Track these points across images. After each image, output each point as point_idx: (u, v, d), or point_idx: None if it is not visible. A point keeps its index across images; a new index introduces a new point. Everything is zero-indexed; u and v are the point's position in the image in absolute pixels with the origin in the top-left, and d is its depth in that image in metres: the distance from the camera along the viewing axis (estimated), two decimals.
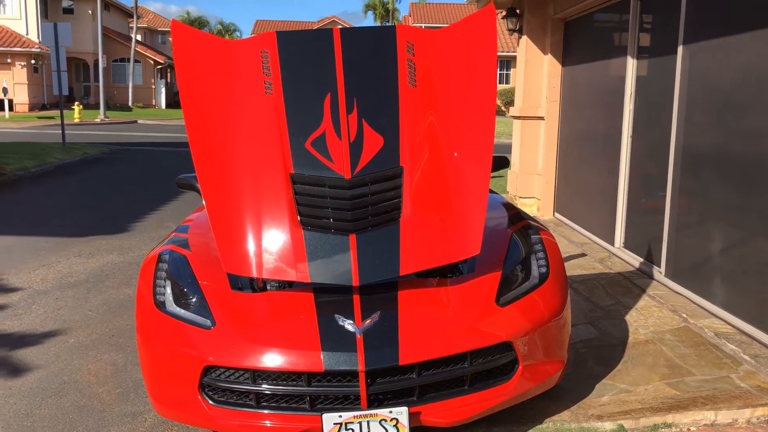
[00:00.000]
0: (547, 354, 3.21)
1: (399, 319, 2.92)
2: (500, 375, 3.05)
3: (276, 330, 2.93)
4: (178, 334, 3.04)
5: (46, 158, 14.94)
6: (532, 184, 9.03)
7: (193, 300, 3.15)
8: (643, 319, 4.61)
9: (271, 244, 3.07)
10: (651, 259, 5.78)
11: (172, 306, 3.15)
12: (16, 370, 4.20)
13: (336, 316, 2.93)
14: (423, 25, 45.71)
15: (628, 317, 4.66)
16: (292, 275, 3.01)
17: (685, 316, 4.61)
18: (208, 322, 3.01)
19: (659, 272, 5.53)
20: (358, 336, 2.84)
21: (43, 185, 12.31)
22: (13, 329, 4.90)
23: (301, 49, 3.45)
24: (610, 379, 3.73)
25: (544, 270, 3.34)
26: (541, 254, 3.42)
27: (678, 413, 3.31)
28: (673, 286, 5.26)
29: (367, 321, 2.90)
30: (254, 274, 3.04)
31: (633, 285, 5.43)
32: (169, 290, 3.21)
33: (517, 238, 3.50)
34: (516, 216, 3.80)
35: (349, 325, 2.89)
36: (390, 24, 50.64)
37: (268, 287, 3.31)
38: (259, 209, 3.14)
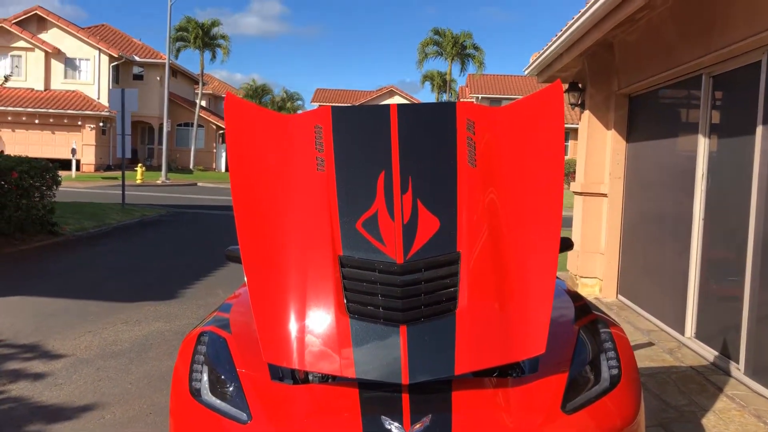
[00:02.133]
0: None
1: (453, 425, 2.62)
2: None
3: (316, 429, 2.67)
4: (211, 427, 2.80)
5: (105, 219, 15.24)
6: (593, 264, 8.63)
7: (230, 389, 2.91)
8: (723, 424, 4.15)
9: (315, 332, 2.83)
10: (727, 353, 5.31)
11: (207, 395, 2.92)
12: None
13: (382, 417, 2.65)
14: (480, 96, 46.08)
15: (704, 421, 4.21)
16: (336, 369, 2.76)
17: None
18: (244, 416, 2.77)
19: (737, 369, 5.05)
20: None
21: (99, 246, 12.47)
22: (51, 401, 4.75)
23: (356, 125, 3.29)
24: None
25: (615, 372, 3.00)
26: (611, 353, 3.08)
27: None
28: (754, 386, 4.78)
29: (417, 426, 2.61)
30: (295, 366, 2.80)
31: (708, 382, 4.96)
32: (206, 377, 2.99)
33: (585, 335, 3.17)
34: (583, 308, 3.48)
35: (396, 429, 2.60)
36: (448, 95, 51.27)
37: (310, 378, 3.06)
38: (304, 293, 2.91)
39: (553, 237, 3.00)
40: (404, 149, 3.12)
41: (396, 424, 2.61)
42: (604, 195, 8.50)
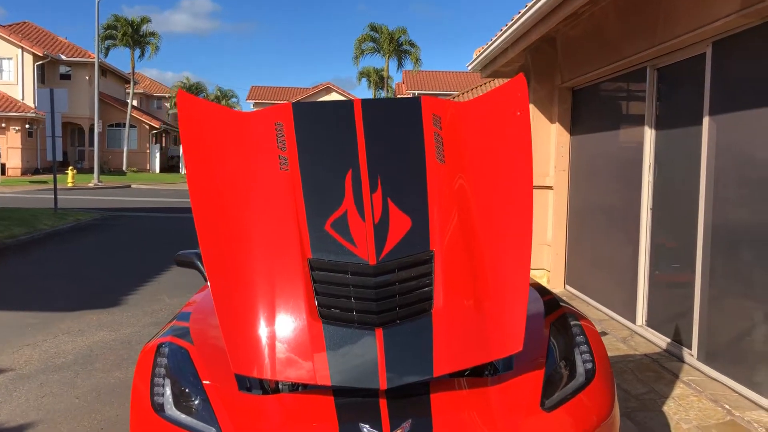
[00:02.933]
0: None
1: (434, 428, 2.54)
2: None
3: None
4: None
5: (37, 225, 14.56)
6: (541, 255, 8.73)
7: (196, 403, 2.76)
8: (683, 411, 4.22)
9: (285, 339, 2.70)
10: (680, 339, 5.42)
11: (171, 409, 2.76)
12: None
13: (360, 424, 2.55)
14: (416, 92, 46.26)
15: (665, 408, 4.28)
16: (310, 377, 2.64)
17: (728, 407, 4.23)
18: (212, 431, 2.62)
19: (690, 355, 5.16)
20: None
21: (31, 254, 11.91)
22: None
23: (319, 122, 3.17)
24: None
25: (590, 366, 2.98)
26: (584, 347, 3.06)
27: None
28: (708, 371, 4.89)
29: (398, 431, 2.52)
30: (267, 375, 2.67)
31: (664, 369, 5.05)
32: (168, 391, 2.83)
33: (556, 329, 3.15)
34: (552, 302, 3.46)
35: None
36: (385, 92, 51.36)
37: (281, 387, 2.93)
38: (273, 299, 2.78)
39: (526, 231, 2.95)
40: (371, 146, 3.03)
41: (375, 431, 2.52)
42: (550, 187, 8.60)
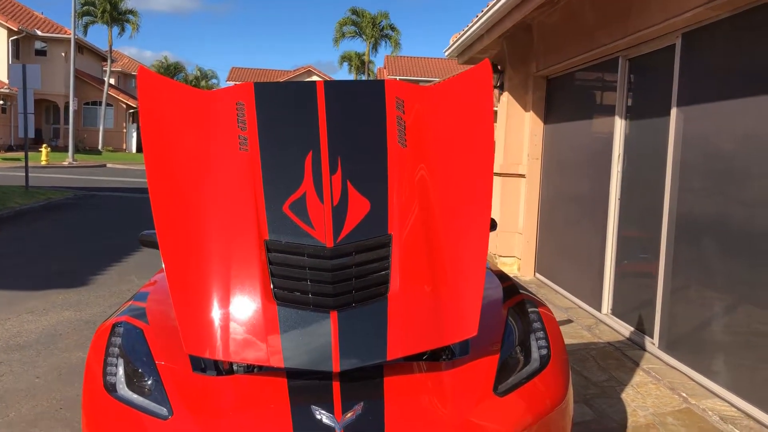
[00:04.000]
0: None
1: (385, 412, 2.54)
2: None
3: (242, 422, 2.53)
4: (129, 424, 2.63)
5: (7, 203, 14.34)
6: (512, 243, 8.78)
7: (149, 383, 2.74)
8: (641, 398, 4.28)
9: (239, 321, 2.69)
10: (642, 328, 5.49)
11: (124, 389, 2.74)
12: None
13: (312, 407, 2.55)
14: (398, 77, 46.15)
15: (624, 395, 4.33)
16: (263, 359, 2.63)
17: (685, 395, 4.29)
18: (164, 411, 2.60)
19: (652, 343, 5.23)
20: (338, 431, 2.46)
21: (0, 232, 11.72)
22: None
23: (281, 103, 3.13)
24: None
25: (545, 352, 3.01)
26: (540, 333, 3.09)
27: None
28: (668, 359, 4.96)
29: (349, 414, 2.52)
30: (219, 356, 2.65)
31: (625, 357, 5.11)
32: (121, 370, 2.80)
33: (513, 316, 3.17)
34: (511, 288, 3.48)
35: (327, 418, 2.50)
36: (366, 76, 51.13)
37: (235, 369, 2.92)
38: (228, 280, 2.76)
39: (484, 217, 2.96)
40: (332, 128, 3.00)
41: (327, 413, 2.52)
42: (523, 176, 8.64)
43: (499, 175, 8.84)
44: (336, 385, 2.63)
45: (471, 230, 2.95)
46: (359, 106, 3.14)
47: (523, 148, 8.64)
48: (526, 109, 8.58)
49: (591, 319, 6.25)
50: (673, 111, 5.05)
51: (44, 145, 30.73)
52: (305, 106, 3.06)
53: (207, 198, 2.94)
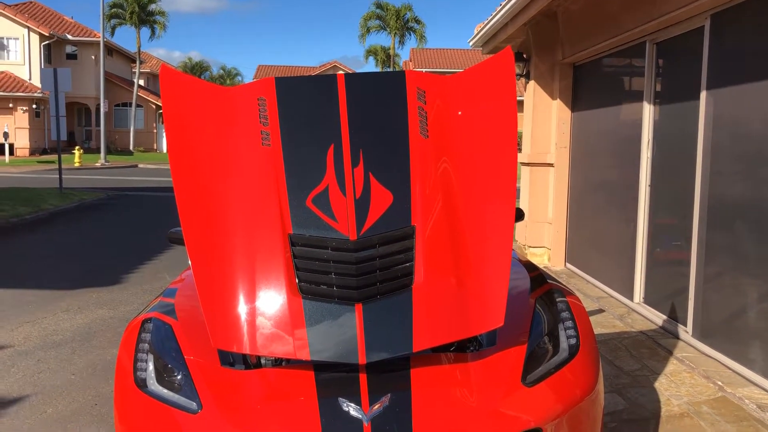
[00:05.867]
0: None
1: (413, 403, 2.54)
2: None
3: (270, 415, 2.55)
4: (159, 419, 2.66)
5: (42, 204, 14.63)
6: (541, 233, 8.69)
7: (178, 378, 2.77)
8: (675, 387, 4.21)
9: (266, 315, 2.70)
10: (675, 316, 5.40)
11: (154, 384, 2.77)
12: None
13: (339, 399, 2.55)
14: (424, 70, 45.98)
15: (657, 385, 4.26)
16: (289, 352, 2.64)
17: (720, 384, 4.21)
18: (193, 405, 2.63)
19: (685, 332, 5.14)
20: (366, 424, 2.46)
21: (35, 233, 11.97)
22: None
23: (302, 97, 3.14)
24: None
25: (573, 341, 2.97)
26: (569, 323, 3.05)
27: None
28: (702, 348, 4.87)
29: (376, 406, 2.52)
30: (246, 350, 2.67)
31: (658, 346, 5.03)
32: (151, 366, 2.84)
33: (541, 305, 3.13)
34: (539, 278, 3.44)
35: (354, 410, 2.51)
36: (393, 69, 51.04)
37: (263, 362, 2.94)
38: (253, 275, 2.78)
39: (508, 207, 2.93)
40: (354, 121, 3.00)
41: (354, 405, 2.52)
42: (551, 165, 8.55)
43: (527, 164, 8.76)
44: (363, 378, 2.63)
45: (496, 220, 2.93)
46: (380, 97, 3.13)
47: (550, 137, 8.55)
48: (552, 98, 8.48)
49: (623, 308, 6.16)
50: (703, 94, 4.94)
51: (77, 147, 31.29)
52: (326, 99, 3.06)
53: (231, 194, 2.96)
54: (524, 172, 8.92)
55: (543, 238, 8.73)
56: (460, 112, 3.14)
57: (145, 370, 2.83)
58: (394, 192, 2.90)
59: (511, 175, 2.98)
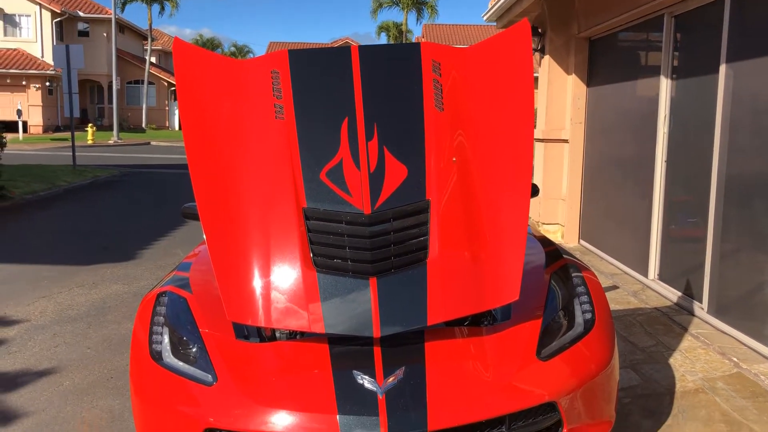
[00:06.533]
0: (595, 413, 2.81)
1: (427, 376, 2.54)
2: None
3: (285, 388, 2.56)
4: (175, 390, 2.68)
5: (56, 181, 14.72)
6: (555, 210, 8.64)
7: (193, 350, 2.79)
8: (690, 363, 4.19)
9: (280, 288, 2.71)
10: (690, 293, 5.36)
11: (169, 357, 2.79)
12: (3, 418, 3.84)
13: (354, 372, 2.56)
14: None
15: (672, 361, 4.25)
16: (304, 325, 2.65)
17: (736, 360, 4.19)
18: (209, 378, 2.65)
19: (701, 308, 5.11)
20: (380, 396, 2.47)
21: (50, 210, 12.05)
22: (5, 368, 4.56)
23: (316, 69, 3.11)
24: None
25: (589, 316, 2.96)
26: (584, 298, 3.04)
27: None
28: (717, 324, 4.84)
29: (390, 378, 2.52)
30: (261, 323, 2.68)
31: (673, 322, 5.01)
32: (166, 339, 2.86)
33: (557, 280, 3.12)
34: (554, 253, 3.42)
35: (369, 383, 2.51)
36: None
37: (278, 335, 2.95)
38: (268, 249, 2.78)
39: (524, 181, 2.91)
40: (368, 94, 2.97)
41: (368, 378, 2.53)
42: (565, 141, 8.46)
43: (542, 140, 8.68)
44: (377, 351, 2.64)
45: (511, 195, 2.91)
46: (395, 70, 3.10)
47: (565, 113, 8.46)
48: (568, 72, 8.37)
49: (637, 285, 6.13)
50: (722, 68, 4.86)
51: (90, 125, 31.36)
52: (340, 71, 3.03)
53: (245, 167, 2.95)
54: (538, 149, 8.85)
55: (557, 215, 8.68)
56: (476, 85, 3.10)
57: (161, 342, 2.85)
58: (408, 166, 2.88)
59: (527, 148, 2.95)
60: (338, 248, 2.76)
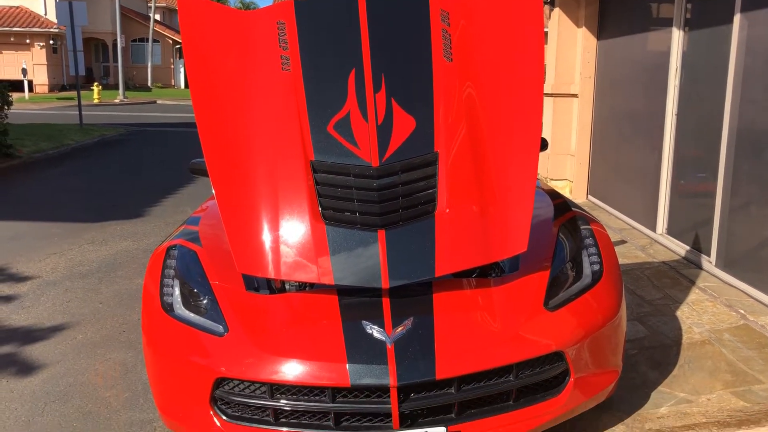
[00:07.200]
0: (601, 363, 2.84)
1: (435, 326, 2.57)
2: (549, 388, 2.69)
3: (296, 338, 2.60)
4: (186, 342, 2.72)
5: (63, 140, 14.72)
6: (564, 166, 8.59)
7: (204, 302, 2.82)
8: (696, 315, 4.21)
9: (289, 240, 2.72)
10: (699, 247, 5.36)
11: (180, 309, 2.83)
12: (19, 370, 3.92)
13: (363, 322, 2.59)
14: None
15: (679, 313, 4.27)
16: (313, 276, 2.67)
17: (743, 312, 4.20)
18: (220, 328, 2.68)
19: (709, 262, 5.11)
20: (389, 346, 2.50)
21: (58, 168, 12.08)
22: (19, 323, 4.63)
23: (322, 20, 3.07)
24: (667, 386, 3.35)
25: (597, 267, 2.97)
26: (593, 249, 3.04)
27: (749, 429, 2.93)
28: (725, 277, 4.84)
29: (399, 328, 2.55)
30: (271, 275, 2.70)
31: (680, 276, 5.02)
32: (177, 291, 2.89)
33: (565, 232, 3.12)
34: (562, 205, 3.42)
35: (378, 332, 2.54)
36: None
37: (287, 287, 2.98)
38: (276, 201, 2.78)
39: (534, 134, 2.89)
40: (375, 44, 2.94)
41: (377, 328, 2.55)
42: (575, 96, 8.37)
43: (551, 95, 8.58)
44: (386, 302, 2.66)
45: (520, 148, 2.89)
46: (402, 19, 3.06)
47: (575, 67, 8.34)
48: (578, 25, 8.23)
49: (645, 239, 6.13)
50: (737, 17, 4.76)
51: (95, 84, 31.19)
52: (347, 21, 2.99)
53: (252, 120, 2.94)
54: (547, 104, 8.75)
55: (565, 171, 8.63)
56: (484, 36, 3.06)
57: (172, 295, 2.88)
58: (416, 117, 2.86)
59: (536, 100, 2.92)
60: (347, 201, 2.77)
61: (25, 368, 3.94)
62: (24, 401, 3.56)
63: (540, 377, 2.63)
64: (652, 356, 3.68)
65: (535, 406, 2.63)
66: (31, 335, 4.42)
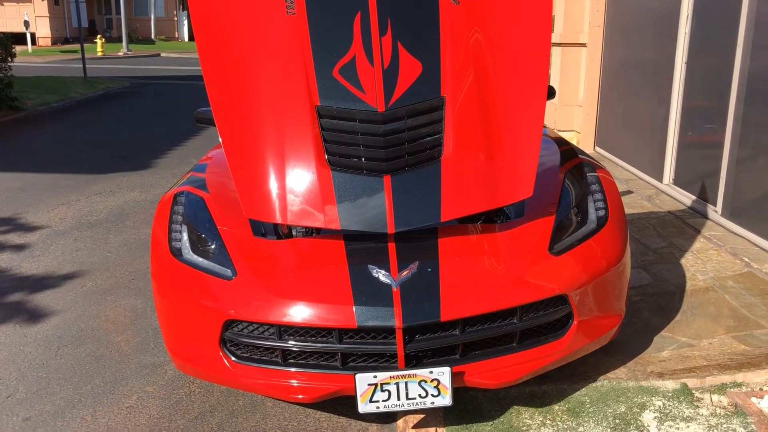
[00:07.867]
0: (605, 307, 2.88)
1: (440, 270, 2.60)
2: (553, 331, 2.74)
3: (303, 281, 2.63)
4: (196, 285, 2.76)
5: (68, 93, 14.66)
6: (571, 117, 8.53)
7: (212, 247, 2.85)
8: (701, 263, 4.23)
9: (295, 186, 2.73)
10: (705, 196, 5.35)
11: (189, 253, 2.86)
12: (31, 316, 3.99)
13: (369, 266, 2.62)
14: None
15: (683, 261, 4.29)
16: (319, 221, 2.69)
17: (747, 260, 4.22)
18: (228, 272, 2.72)
19: (714, 211, 5.11)
20: (395, 289, 2.53)
21: (64, 120, 12.05)
22: (30, 272, 4.70)
23: None
24: (669, 331, 3.39)
25: (602, 213, 2.98)
26: (598, 195, 3.05)
27: (749, 371, 2.97)
28: (730, 226, 4.85)
29: (405, 272, 2.58)
30: (277, 220, 2.72)
31: (686, 225, 5.02)
32: (185, 236, 2.92)
33: (571, 178, 3.12)
34: (569, 152, 3.41)
35: (384, 276, 2.57)
36: None
37: (294, 233, 3.00)
38: (282, 147, 2.79)
39: (541, 80, 2.87)
40: None
41: (384, 272, 2.58)
42: (583, 45, 8.25)
43: (559, 45, 8.47)
44: (392, 246, 2.68)
45: (527, 94, 2.88)
46: None
47: (584, 15, 8.20)
48: None
49: (651, 190, 6.12)
50: None
51: (99, 37, 30.87)
52: None
53: (257, 66, 2.92)
54: (555, 53, 8.64)
55: (573, 122, 8.57)
56: None
57: (180, 240, 2.91)
58: (423, 61, 2.84)
59: (544, 46, 2.90)
60: (352, 146, 2.77)
61: (37, 315, 4.01)
62: (38, 345, 3.64)
63: (544, 320, 2.66)
64: (656, 303, 3.71)
65: (539, 348, 2.68)
66: (41, 283, 4.49)
